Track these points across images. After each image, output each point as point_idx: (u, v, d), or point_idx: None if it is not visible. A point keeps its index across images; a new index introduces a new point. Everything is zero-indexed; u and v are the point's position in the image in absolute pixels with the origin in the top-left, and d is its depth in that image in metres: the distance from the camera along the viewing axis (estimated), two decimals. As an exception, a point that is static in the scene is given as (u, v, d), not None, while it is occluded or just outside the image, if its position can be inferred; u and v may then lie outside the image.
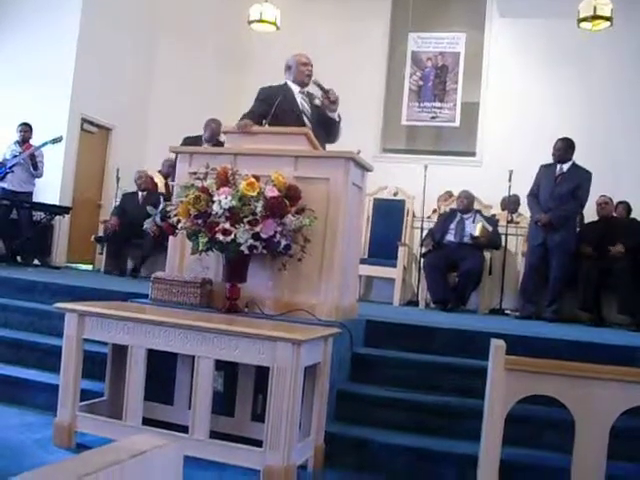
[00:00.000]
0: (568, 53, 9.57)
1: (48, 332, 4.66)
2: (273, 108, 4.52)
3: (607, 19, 8.16)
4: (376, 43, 10.76)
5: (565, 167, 6.95)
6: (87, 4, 9.12)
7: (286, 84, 4.94)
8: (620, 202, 7.69)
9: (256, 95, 4.89)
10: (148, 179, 8.62)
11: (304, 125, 4.67)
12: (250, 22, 9.49)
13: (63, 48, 8.98)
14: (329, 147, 4.62)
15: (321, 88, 4.75)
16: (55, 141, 8.10)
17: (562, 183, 6.88)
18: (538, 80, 9.85)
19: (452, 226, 7.40)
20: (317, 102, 4.90)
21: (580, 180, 6.84)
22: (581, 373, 2.50)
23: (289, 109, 4.67)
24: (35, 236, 8.20)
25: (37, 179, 8.41)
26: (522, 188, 8.33)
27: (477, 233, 7.21)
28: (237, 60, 10.56)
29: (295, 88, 4.88)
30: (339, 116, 4.86)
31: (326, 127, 4.56)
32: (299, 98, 4.84)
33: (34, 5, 9.13)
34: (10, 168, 8.05)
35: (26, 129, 8.31)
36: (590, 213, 7.47)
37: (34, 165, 8.16)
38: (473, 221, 7.35)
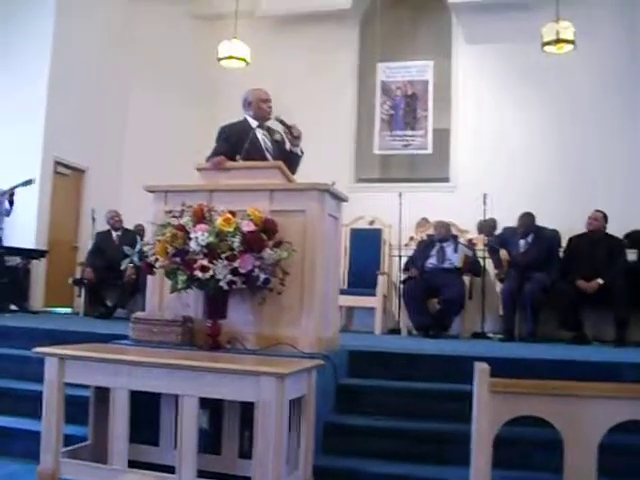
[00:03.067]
0: (535, 76, 9.69)
1: (26, 378, 4.57)
2: (243, 151, 4.50)
3: (570, 42, 8.30)
4: (345, 74, 10.84)
5: (530, 238, 7.32)
6: (57, 46, 9.13)
7: (246, 120, 4.87)
8: (597, 211, 7.28)
9: (217, 134, 4.83)
10: (120, 218, 8.59)
11: None
12: (220, 59, 9.57)
13: (34, 91, 8.96)
14: (303, 179, 4.60)
15: (284, 124, 4.71)
16: (26, 183, 8.03)
17: (530, 254, 7.21)
18: (507, 103, 9.97)
19: (433, 253, 7.43)
20: (277, 137, 4.86)
21: (548, 246, 7.30)
22: (566, 392, 2.50)
23: (253, 149, 4.64)
24: (11, 281, 8.11)
25: (6, 223, 8.32)
26: (497, 211, 8.44)
27: (460, 264, 7.29)
28: (209, 97, 10.60)
29: (255, 123, 4.81)
30: (302, 151, 4.83)
31: (287, 161, 4.53)
32: (260, 135, 4.78)
33: (3, 49, 9.13)
34: None
35: None
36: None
37: (10, 203, 8.09)
38: (454, 249, 7.38)
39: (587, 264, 6.89)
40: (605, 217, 7.14)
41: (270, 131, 4.89)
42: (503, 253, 7.38)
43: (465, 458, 2.72)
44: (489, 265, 7.79)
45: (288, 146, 4.81)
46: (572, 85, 9.55)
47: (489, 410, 2.56)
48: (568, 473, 2.47)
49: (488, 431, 2.55)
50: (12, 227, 8.49)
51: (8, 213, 8.23)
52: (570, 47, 8.36)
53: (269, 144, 4.81)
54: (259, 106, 4.84)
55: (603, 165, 9.38)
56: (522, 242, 7.31)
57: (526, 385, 2.59)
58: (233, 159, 4.41)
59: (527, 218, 7.38)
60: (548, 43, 8.37)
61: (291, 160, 4.67)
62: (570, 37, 8.25)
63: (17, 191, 8.12)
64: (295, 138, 4.74)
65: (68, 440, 3.57)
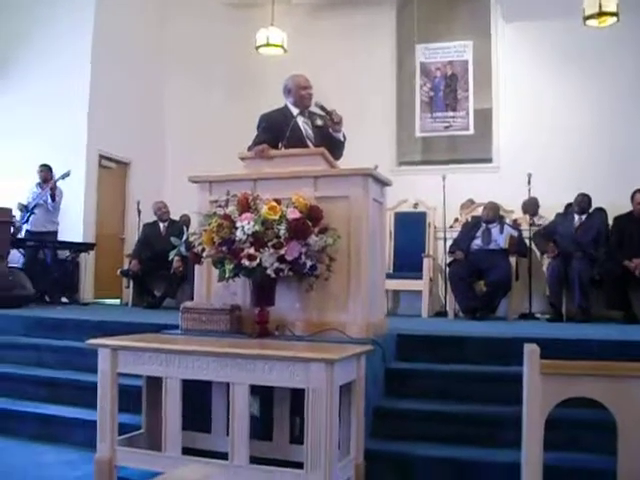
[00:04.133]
0: (576, 52, 9.52)
1: (82, 369, 4.69)
2: (285, 139, 4.50)
3: (613, 14, 8.09)
4: (384, 57, 10.79)
5: (584, 217, 7.35)
6: (97, 41, 9.25)
7: (287, 107, 4.85)
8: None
9: (258, 122, 4.83)
10: (168, 209, 8.70)
11: None
12: (257, 47, 9.58)
13: (76, 88, 9.10)
14: (346, 165, 4.59)
15: (324, 110, 4.67)
16: (64, 176, 8.21)
17: (583, 229, 7.21)
18: (548, 81, 9.81)
19: (478, 234, 7.40)
20: (319, 122, 4.80)
21: (599, 224, 7.26)
22: (620, 372, 2.47)
23: (294, 137, 4.61)
24: (61, 274, 8.28)
25: (59, 218, 8.54)
26: (541, 190, 8.34)
27: (506, 245, 7.24)
28: (248, 85, 10.63)
29: (295, 111, 4.78)
30: (344, 136, 4.79)
31: (330, 147, 4.53)
32: (301, 122, 4.75)
33: (45, 48, 9.27)
34: (32, 210, 8.21)
35: (43, 169, 8.46)
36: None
37: (52, 196, 8.27)
38: (500, 230, 7.34)
39: (635, 243, 6.79)
40: None
41: (312, 117, 4.86)
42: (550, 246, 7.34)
43: (516, 440, 2.72)
44: (535, 245, 7.71)
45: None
46: (616, 60, 9.36)
47: (540, 392, 2.54)
48: (622, 455, 2.45)
49: (539, 413, 2.54)
50: (60, 221, 8.66)
51: (53, 207, 8.41)
52: (613, 20, 8.13)
53: (310, 131, 4.78)
54: (299, 93, 4.80)
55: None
56: (577, 218, 7.26)
57: (578, 366, 2.57)
58: (276, 147, 4.42)
59: (584, 198, 7.36)
60: (590, 17, 8.15)
61: (334, 145, 4.65)
62: (613, 9, 8.02)
63: (59, 185, 8.32)
64: (336, 124, 4.70)
65: (123, 428, 3.63)
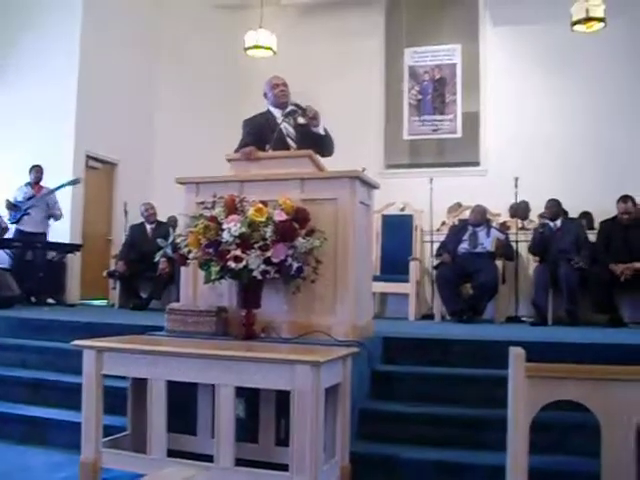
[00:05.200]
0: (564, 56, 9.57)
1: (67, 370, 4.65)
2: (271, 141, 4.52)
3: (600, 20, 8.14)
4: (372, 60, 10.80)
5: (558, 223, 7.33)
6: (85, 41, 9.21)
7: (268, 110, 4.93)
8: (625, 201, 7.08)
9: (242, 127, 4.90)
10: (155, 210, 8.68)
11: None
12: (247, 49, 9.57)
13: (64, 88, 9.07)
14: (333, 167, 4.59)
15: (299, 107, 4.72)
16: (73, 183, 8.25)
17: (560, 235, 7.19)
18: (536, 85, 9.86)
19: (465, 237, 7.42)
20: (301, 120, 4.83)
21: (576, 229, 7.28)
22: (604, 375, 2.48)
23: (277, 138, 4.62)
24: (48, 275, 8.24)
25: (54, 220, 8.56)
26: (529, 194, 8.37)
27: (493, 248, 7.26)
28: (237, 87, 10.60)
29: (277, 112, 4.84)
30: (325, 130, 4.80)
31: (315, 143, 4.56)
32: (282, 123, 4.77)
33: (33, 46, 9.23)
34: (26, 210, 8.19)
35: (39, 170, 8.46)
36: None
37: (55, 214, 8.40)
38: (487, 233, 7.37)
39: (621, 248, 6.82)
40: (634, 201, 7.03)
41: (293, 115, 4.84)
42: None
43: (501, 443, 2.72)
44: (522, 249, 7.74)
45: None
46: (603, 65, 9.41)
47: (525, 395, 2.55)
48: (606, 457, 2.46)
49: (525, 416, 2.54)
50: (50, 222, 8.64)
51: (54, 209, 8.43)
52: (600, 25, 8.19)
53: (291, 129, 4.82)
54: (272, 92, 4.90)
55: (633, 145, 9.26)
56: (552, 224, 7.28)
57: (562, 369, 2.58)
58: (263, 149, 4.43)
59: (554, 203, 7.38)
60: (577, 22, 8.21)
61: (319, 142, 4.67)
62: (600, 14, 8.08)
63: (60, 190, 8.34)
64: (312, 119, 4.72)
65: (108, 430, 3.61)
